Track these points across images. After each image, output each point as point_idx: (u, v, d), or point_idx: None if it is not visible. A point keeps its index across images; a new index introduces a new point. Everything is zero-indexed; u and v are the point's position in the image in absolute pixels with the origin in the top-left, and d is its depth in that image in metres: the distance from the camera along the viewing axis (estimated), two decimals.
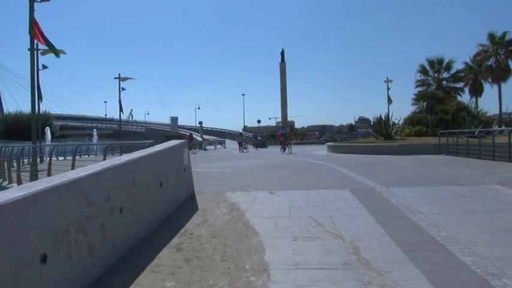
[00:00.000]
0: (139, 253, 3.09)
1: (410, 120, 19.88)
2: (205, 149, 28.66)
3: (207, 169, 10.09)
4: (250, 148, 26.39)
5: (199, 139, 31.28)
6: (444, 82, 28.30)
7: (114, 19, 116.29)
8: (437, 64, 28.06)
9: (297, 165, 10.80)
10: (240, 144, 23.36)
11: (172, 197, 4.53)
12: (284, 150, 17.04)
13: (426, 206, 4.40)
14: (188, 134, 23.20)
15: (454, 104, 19.40)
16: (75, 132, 52.46)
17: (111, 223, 2.84)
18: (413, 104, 23.52)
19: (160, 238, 3.48)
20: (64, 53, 16.26)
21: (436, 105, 19.49)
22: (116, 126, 50.26)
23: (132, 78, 29.16)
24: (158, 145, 5.09)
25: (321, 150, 18.83)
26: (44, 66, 19.30)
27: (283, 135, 18.49)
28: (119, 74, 27.88)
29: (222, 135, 40.59)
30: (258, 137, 34.45)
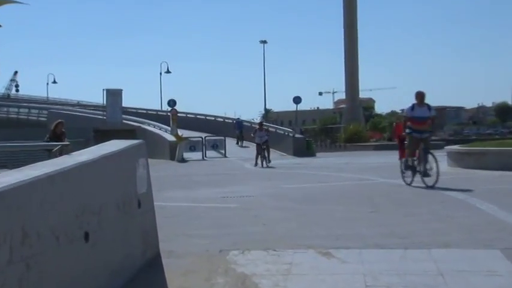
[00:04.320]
0: None
1: None
2: (182, 159, 29.03)
3: (189, 202, 10.17)
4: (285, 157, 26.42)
5: (170, 138, 31.53)
6: None
7: None
8: None
9: (379, 193, 10.91)
10: (259, 147, 23.27)
11: (111, 262, 4.52)
12: (425, 172, 12.13)
13: None
14: (58, 121, 20.56)
15: None
16: None
17: None
18: None
19: None
20: None
21: None
22: None
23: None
24: (81, 151, 5.05)
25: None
26: None
27: (422, 122, 12.61)
28: None
29: (220, 129, 41.01)
30: (241, 126, 38.47)
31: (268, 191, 12.38)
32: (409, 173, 12.57)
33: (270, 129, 32.07)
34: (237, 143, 38.91)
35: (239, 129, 39.82)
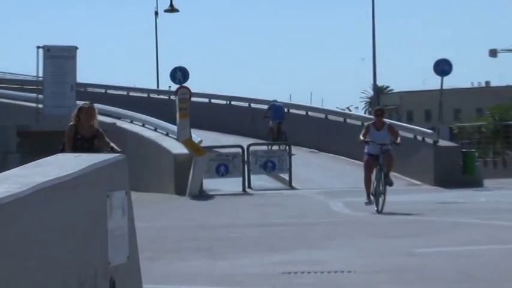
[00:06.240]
0: None
1: None
2: (201, 192, 24.95)
3: (216, 284, 9.28)
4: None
5: (177, 149, 26.30)
6: None
7: None
8: None
9: None
10: (372, 162, 18.50)
11: None
12: None
13: None
14: (83, 106, 15.83)
15: None
16: None
17: None
18: None
19: None
20: None
21: None
22: None
23: None
24: None
25: None
26: None
27: None
28: None
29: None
30: (281, 114, 33.61)
31: (384, 260, 10.25)
32: None
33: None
34: (269, 146, 30.66)
35: (278, 120, 32.30)
